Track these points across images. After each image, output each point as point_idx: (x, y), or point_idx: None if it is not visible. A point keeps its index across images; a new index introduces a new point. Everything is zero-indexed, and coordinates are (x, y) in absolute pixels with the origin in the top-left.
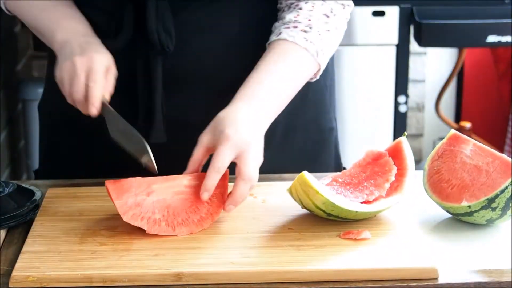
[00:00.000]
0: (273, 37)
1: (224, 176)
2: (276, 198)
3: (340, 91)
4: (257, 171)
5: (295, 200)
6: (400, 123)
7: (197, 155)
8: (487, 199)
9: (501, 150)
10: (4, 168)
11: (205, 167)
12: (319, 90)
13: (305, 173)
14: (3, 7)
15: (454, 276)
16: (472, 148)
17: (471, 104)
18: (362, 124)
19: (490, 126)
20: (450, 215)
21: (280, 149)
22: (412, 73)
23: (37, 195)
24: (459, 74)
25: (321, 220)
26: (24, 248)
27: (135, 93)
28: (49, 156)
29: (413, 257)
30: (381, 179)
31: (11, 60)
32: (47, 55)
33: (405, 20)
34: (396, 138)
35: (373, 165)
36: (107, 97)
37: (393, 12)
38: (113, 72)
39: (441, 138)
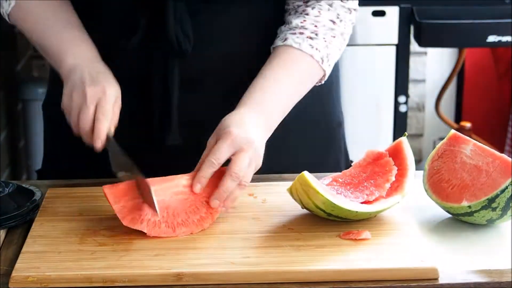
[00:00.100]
0: (278, 42)
1: (222, 174)
2: (276, 198)
3: (340, 91)
4: (250, 172)
5: (295, 200)
6: (400, 123)
7: (205, 157)
8: (487, 199)
9: (501, 150)
10: (4, 168)
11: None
12: (327, 85)
13: (305, 173)
14: (7, 20)
15: (454, 276)
16: (472, 148)
17: (471, 104)
18: (362, 124)
19: (490, 126)
20: (450, 215)
21: (292, 147)
22: (412, 73)
23: (37, 195)
24: (459, 74)
25: (321, 220)
26: (24, 248)
27: (150, 95)
28: (52, 156)
29: (413, 257)
30: (381, 179)
31: (11, 60)
32: None
33: (405, 20)
34: (396, 138)
35: (374, 165)
36: (112, 130)
37: (393, 12)
38: (119, 104)
39: (441, 138)
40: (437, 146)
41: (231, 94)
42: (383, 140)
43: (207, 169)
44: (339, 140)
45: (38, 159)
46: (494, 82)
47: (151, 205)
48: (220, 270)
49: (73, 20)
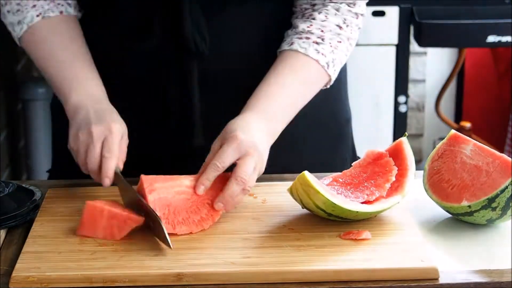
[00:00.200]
0: (284, 46)
1: (226, 179)
2: (276, 198)
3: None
4: (254, 177)
5: (295, 200)
6: (400, 123)
7: (210, 161)
8: (487, 199)
9: (501, 150)
10: (4, 168)
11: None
12: (336, 83)
13: (305, 172)
14: (17, 42)
15: (454, 276)
16: (472, 148)
17: (471, 104)
18: (362, 124)
19: (490, 126)
20: (450, 215)
21: (301, 145)
22: (412, 73)
23: (37, 195)
24: (459, 74)
25: (322, 220)
26: (24, 248)
27: (168, 97)
28: (62, 155)
29: (413, 257)
30: (381, 179)
31: (11, 60)
32: None
33: (405, 20)
34: (396, 138)
35: (374, 165)
36: (121, 167)
37: (393, 12)
38: (126, 141)
39: (441, 138)
40: (437, 146)
41: (248, 94)
42: (383, 140)
43: (212, 172)
44: (347, 137)
45: (38, 159)
46: (494, 82)
47: (164, 240)
48: (220, 270)
49: (83, 54)
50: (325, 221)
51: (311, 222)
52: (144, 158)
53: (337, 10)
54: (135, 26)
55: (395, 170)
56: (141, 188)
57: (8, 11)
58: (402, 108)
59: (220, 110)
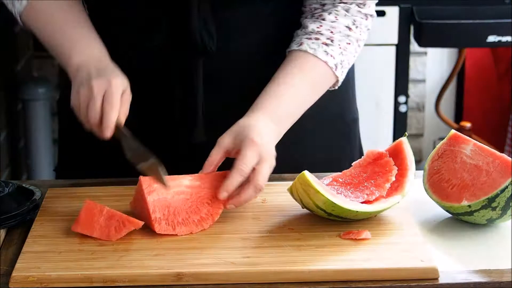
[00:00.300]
0: (293, 46)
1: (224, 177)
2: (276, 198)
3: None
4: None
5: (295, 199)
6: (400, 123)
7: (216, 156)
8: (487, 198)
9: (501, 150)
10: (4, 168)
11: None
12: (344, 82)
13: (305, 172)
14: (18, 20)
15: (454, 276)
16: (472, 148)
17: (472, 104)
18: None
19: (490, 126)
20: (450, 215)
21: (309, 145)
22: (412, 73)
23: (37, 195)
24: (459, 74)
25: (321, 220)
26: (24, 248)
27: (173, 94)
28: (69, 153)
29: (413, 257)
30: (381, 179)
31: (11, 60)
32: None
33: (405, 20)
34: (396, 138)
35: (374, 165)
36: (123, 120)
37: (393, 12)
38: (128, 95)
39: (441, 138)
40: (437, 146)
41: (254, 93)
42: (383, 140)
43: (237, 178)
44: (354, 136)
45: (38, 159)
46: (494, 82)
47: (160, 180)
48: (220, 270)
49: (83, 19)
50: (325, 221)
51: (311, 222)
52: None
53: (347, 11)
54: (142, 22)
55: (395, 170)
56: (140, 189)
57: None
58: (402, 108)
59: (223, 108)
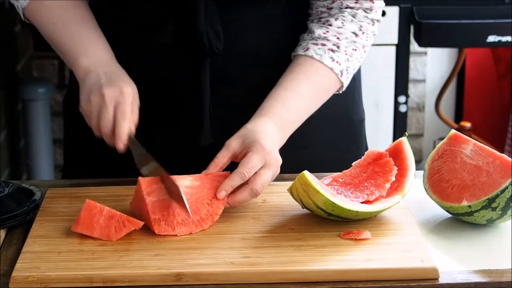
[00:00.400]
0: (299, 51)
1: (224, 177)
2: (276, 198)
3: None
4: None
5: (295, 199)
6: (400, 123)
7: (223, 158)
8: (487, 199)
9: (501, 150)
10: (4, 168)
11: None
12: (351, 83)
13: (305, 172)
14: (21, 15)
15: (454, 276)
16: (472, 148)
17: (472, 104)
18: None
19: (490, 126)
20: (450, 215)
21: (315, 145)
22: (412, 73)
23: (37, 195)
24: (459, 74)
25: (321, 220)
26: (24, 248)
27: (179, 95)
28: (75, 153)
29: (413, 257)
30: (381, 179)
31: (11, 60)
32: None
33: (405, 20)
34: (396, 138)
35: (374, 165)
36: (133, 129)
37: (393, 12)
38: (137, 103)
39: (441, 138)
40: (437, 146)
41: (260, 94)
42: (383, 140)
43: (238, 180)
44: (361, 137)
45: (38, 159)
46: (494, 82)
47: (181, 203)
48: (220, 270)
49: (88, 17)
50: (325, 221)
51: (311, 222)
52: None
53: (354, 16)
54: (149, 22)
55: (395, 170)
56: (139, 190)
57: None
58: (402, 108)
59: (229, 109)
